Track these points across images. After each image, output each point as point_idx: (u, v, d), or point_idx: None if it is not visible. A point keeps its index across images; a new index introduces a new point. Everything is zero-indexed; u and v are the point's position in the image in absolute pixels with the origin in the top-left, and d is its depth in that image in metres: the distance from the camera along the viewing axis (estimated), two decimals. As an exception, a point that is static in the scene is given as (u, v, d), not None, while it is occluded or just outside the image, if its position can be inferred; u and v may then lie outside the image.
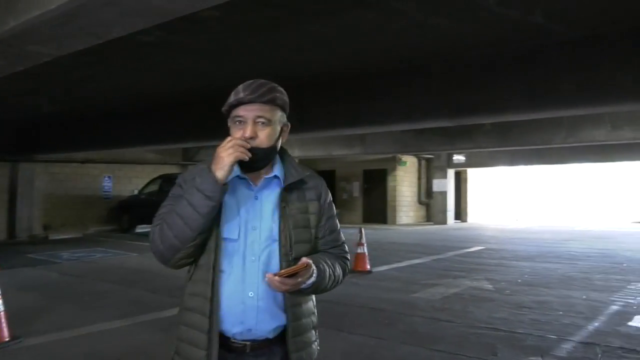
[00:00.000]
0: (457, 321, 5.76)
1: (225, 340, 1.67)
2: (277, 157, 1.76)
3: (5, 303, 4.93)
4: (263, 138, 1.64)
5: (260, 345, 1.69)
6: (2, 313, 4.90)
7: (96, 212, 16.82)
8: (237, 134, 1.64)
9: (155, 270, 7.80)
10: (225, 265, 1.66)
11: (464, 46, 6.55)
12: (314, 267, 1.62)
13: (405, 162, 21.40)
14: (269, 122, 1.65)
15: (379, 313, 6.17)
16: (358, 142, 14.67)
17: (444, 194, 21.33)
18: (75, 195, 16.03)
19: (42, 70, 5.41)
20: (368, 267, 8.99)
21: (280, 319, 1.69)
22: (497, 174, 24.64)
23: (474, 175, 23.41)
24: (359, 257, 9.00)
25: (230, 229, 1.67)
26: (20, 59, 3.91)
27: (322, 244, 1.79)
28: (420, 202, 22.65)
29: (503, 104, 7.02)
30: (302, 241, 1.71)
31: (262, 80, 1.68)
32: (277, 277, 1.54)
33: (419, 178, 22.59)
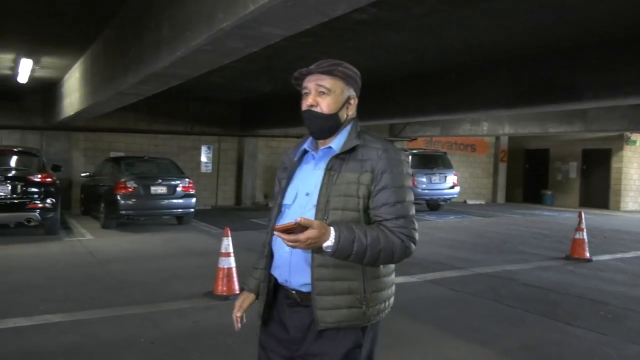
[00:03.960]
0: (703, 326, 4.96)
1: (283, 289, 1.91)
2: (345, 129, 1.88)
3: (235, 260, 5.63)
4: (323, 106, 1.83)
5: (307, 297, 1.81)
6: (234, 269, 5.60)
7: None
8: (304, 104, 1.86)
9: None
10: None
11: None
12: (331, 230, 1.65)
13: (635, 142, 18.89)
14: (329, 92, 1.83)
15: (600, 306, 5.59)
16: (578, 118, 13.24)
17: (684, 178, 18.34)
18: (291, 167, 17.43)
19: (263, 52, 5.89)
20: (587, 254, 8.19)
21: (307, 276, 1.79)
22: None
23: None
24: (576, 242, 8.27)
25: (288, 196, 1.90)
26: (255, 40, 4.29)
27: (374, 215, 1.78)
28: (652, 187, 19.84)
29: None
30: (341, 208, 1.76)
31: (332, 59, 1.85)
32: (275, 231, 1.65)
33: (652, 159, 19.75)
